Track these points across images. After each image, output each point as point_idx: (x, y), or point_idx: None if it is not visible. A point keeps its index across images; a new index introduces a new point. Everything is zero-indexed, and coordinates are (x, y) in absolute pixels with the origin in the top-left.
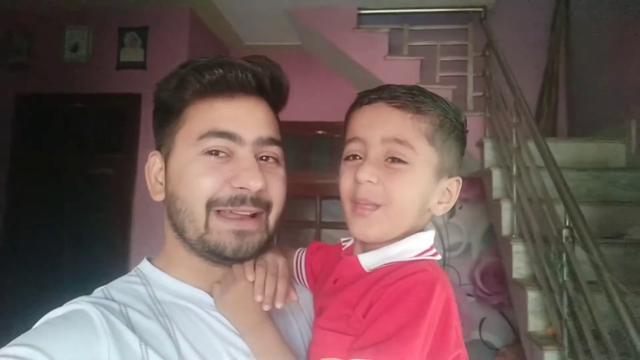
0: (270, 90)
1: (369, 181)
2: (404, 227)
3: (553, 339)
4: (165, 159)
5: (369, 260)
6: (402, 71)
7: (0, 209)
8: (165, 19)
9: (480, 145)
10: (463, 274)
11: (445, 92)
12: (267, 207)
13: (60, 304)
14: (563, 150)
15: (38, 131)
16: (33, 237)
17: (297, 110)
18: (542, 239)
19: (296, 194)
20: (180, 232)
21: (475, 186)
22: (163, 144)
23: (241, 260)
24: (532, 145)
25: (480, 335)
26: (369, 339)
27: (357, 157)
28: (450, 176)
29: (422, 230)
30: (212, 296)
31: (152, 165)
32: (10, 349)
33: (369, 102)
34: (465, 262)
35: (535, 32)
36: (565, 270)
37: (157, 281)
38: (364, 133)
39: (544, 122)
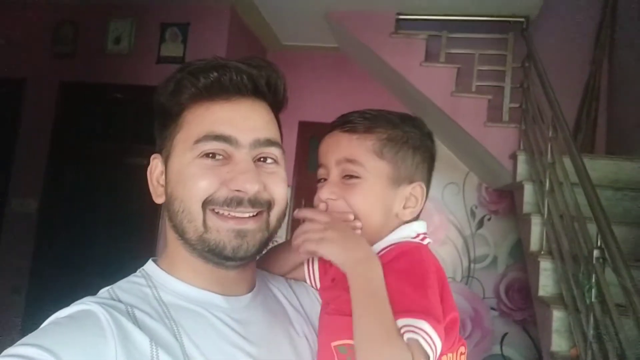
0: (267, 91)
1: (329, 198)
2: (377, 234)
3: None
4: (166, 162)
5: None
6: (437, 78)
7: (37, 195)
8: (205, 16)
9: (514, 157)
10: (487, 286)
11: (481, 102)
12: (268, 205)
13: (91, 289)
14: (600, 167)
15: (79, 119)
16: (67, 222)
17: (331, 111)
18: (571, 258)
19: None
20: (180, 234)
21: (506, 199)
22: (163, 147)
23: (242, 259)
24: (567, 160)
25: (501, 350)
26: (405, 306)
27: (325, 180)
28: (411, 182)
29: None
30: (219, 295)
31: (154, 168)
32: (17, 349)
33: (329, 132)
34: (490, 275)
35: (579, 46)
36: (593, 291)
37: (163, 283)
38: (324, 159)
39: (582, 138)
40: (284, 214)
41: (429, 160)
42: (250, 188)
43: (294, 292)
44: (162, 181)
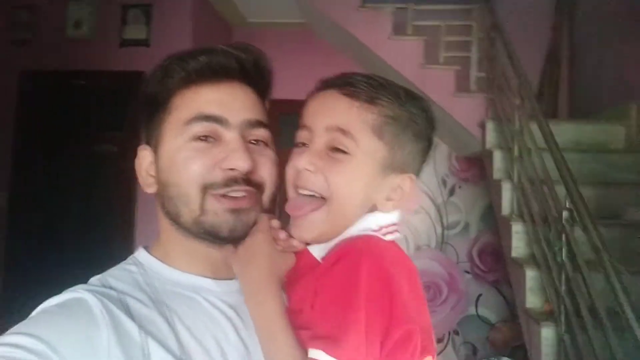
0: (255, 75)
1: (307, 169)
2: (347, 224)
3: (550, 315)
4: (155, 150)
5: (318, 251)
6: (406, 51)
7: (5, 187)
8: None
9: (482, 126)
10: (461, 251)
11: (448, 73)
12: (259, 187)
13: (66, 281)
14: (563, 131)
15: (42, 108)
16: (38, 213)
17: (299, 88)
18: (541, 220)
19: None
20: (174, 218)
21: (475, 166)
22: (152, 137)
23: (236, 239)
24: (534, 126)
25: (476, 310)
26: (317, 331)
27: (305, 145)
28: (403, 172)
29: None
30: (211, 280)
31: (142, 159)
32: (9, 338)
33: (323, 89)
34: (464, 240)
35: (540, 13)
36: (564, 250)
37: (155, 270)
38: (311, 121)
39: (545, 104)
40: (276, 196)
41: (426, 150)
42: (242, 165)
43: None
44: (152, 171)
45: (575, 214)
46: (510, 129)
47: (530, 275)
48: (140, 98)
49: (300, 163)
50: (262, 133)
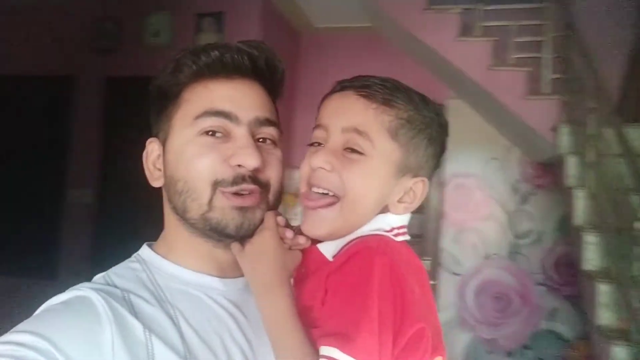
0: (266, 73)
1: (322, 168)
2: (358, 224)
3: (623, 334)
4: (164, 144)
5: (329, 249)
6: (473, 53)
7: (94, 185)
8: (239, 4)
9: (555, 130)
10: (533, 262)
11: (519, 75)
12: (266, 186)
13: None
14: None
15: (125, 110)
16: (123, 210)
17: None
18: (616, 231)
19: None
20: (181, 213)
21: (551, 172)
22: (160, 130)
23: (243, 237)
24: (610, 131)
25: (550, 325)
26: (329, 328)
27: (320, 144)
28: (416, 176)
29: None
30: (216, 278)
31: (150, 152)
32: (12, 336)
33: (340, 90)
34: (537, 250)
35: (621, 10)
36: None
37: (159, 267)
38: (328, 121)
39: (630, 107)
40: (281, 195)
41: (439, 155)
42: (251, 162)
43: None
44: (159, 165)
45: None
46: (584, 133)
47: (603, 289)
48: (152, 91)
49: (316, 161)
50: (271, 131)
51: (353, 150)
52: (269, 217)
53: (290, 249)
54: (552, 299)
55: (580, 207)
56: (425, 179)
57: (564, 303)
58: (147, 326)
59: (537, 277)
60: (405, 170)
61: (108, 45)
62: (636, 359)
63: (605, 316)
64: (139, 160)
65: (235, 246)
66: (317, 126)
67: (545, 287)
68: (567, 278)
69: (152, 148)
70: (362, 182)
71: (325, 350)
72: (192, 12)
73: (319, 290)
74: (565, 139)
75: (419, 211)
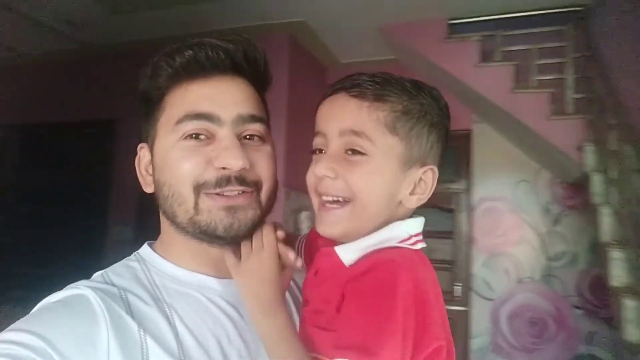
0: (246, 66)
1: (326, 175)
2: (373, 222)
3: None
4: (151, 149)
5: (347, 255)
6: (495, 78)
7: (133, 223)
8: (266, 44)
9: (581, 149)
10: (568, 284)
11: (542, 96)
12: (256, 185)
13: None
14: None
15: None
16: None
17: None
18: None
19: None
20: (171, 218)
21: (581, 193)
22: (149, 135)
23: (234, 238)
24: (630, 148)
25: (590, 349)
26: (348, 340)
27: (322, 151)
28: (423, 165)
29: (400, 219)
30: (213, 278)
31: (142, 158)
32: (7, 334)
33: (332, 93)
34: (571, 272)
35: None
36: None
37: (157, 266)
38: (324, 126)
39: None
40: (275, 192)
41: (444, 139)
42: (235, 164)
43: (293, 280)
44: (150, 170)
45: None
46: (606, 151)
47: (629, 305)
48: (138, 95)
49: (319, 170)
50: (257, 127)
51: (354, 152)
52: (268, 233)
53: (283, 268)
54: (589, 323)
55: (606, 223)
56: (434, 167)
57: (602, 326)
58: (143, 325)
59: (572, 300)
60: (410, 162)
61: None
62: None
63: (632, 332)
64: None
65: (229, 258)
66: (316, 133)
67: (581, 310)
68: (604, 300)
69: (143, 154)
70: (369, 183)
71: None
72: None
73: (334, 295)
74: (590, 157)
75: (449, 236)
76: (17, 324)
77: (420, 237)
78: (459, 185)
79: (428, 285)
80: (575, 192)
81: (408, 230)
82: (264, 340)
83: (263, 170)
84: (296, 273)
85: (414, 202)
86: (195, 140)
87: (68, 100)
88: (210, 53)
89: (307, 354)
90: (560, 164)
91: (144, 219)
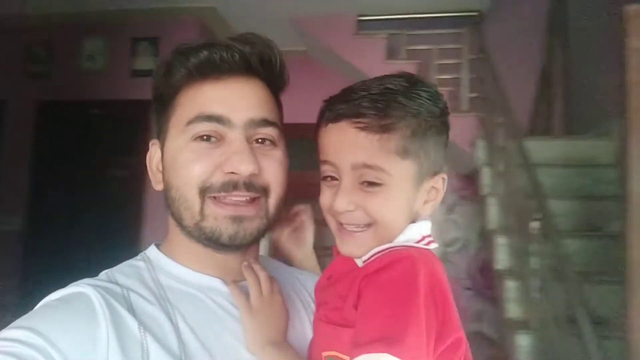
0: (261, 68)
1: (347, 210)
2: (394, 237)
3: (525, 324)
4: (162, 147)
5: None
6: None
7: (21, 212)
8: (175, 29)
9: (474, 144)
10: (461, 268)
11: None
12: (264, 191)
13: None
14: (555, 148)
15: (58, 135)
16: (52, 236)
17: (305, 112)
18: (519, 232)
19: (302, 195)
20: (178, 221)
21: (473, 184)
22: (160, 132)
23: (238, 247)
24: (514, 144)
25: (477, 327)
26: (372, 333)
27: (333, 178)
28: (435, 174)
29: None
30: (219, 280)
31: (153, 154)
32: (8, 332)
33: (334, 120)
34: (464, 257)
35: (533, 33)
36: (536, 259)
37: (162, 266)
38: (335, 158)
39: (540, 121)
40: (283, 200)
41: (446, 136)
42: (245, 169)
43: (300, 283)
44: (160, 167)
45: (544, 225)
46: (494, 147)
47: (510, 285)
48: (151, 92)
49: (339, 206)
50: (268, 131)
51: (370, 184)
52: (266, 282)
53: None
54: (478, 302)
55: (493, 213)
56: (444, 174)
57: (489, 305)
58: (144, 324)
59: (464, 283)
60: (422, 176)
61: (39, 69)
62: (535, 345)
63: (512, 310)
64: (70, 185)
65: (239, 298)
66: (324, 162)
67: (472, 291)
68: (491, 281)
69: (155, 150)
70: (388, 208)
71: (374, 357)
72: (127, 36)
73: (350, 293)
74: (481, 152)
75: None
76: (19, 321)
77: (432, 238)
78: None
79: (445, 280)
80: (468, 183)
81: (421, 232)
82: None
83: (272, 176)
84: (308, 277)
85: (428, 209)
86: (205, 142)
87: None
88: (224, 54)
89: None
90: (456, 157)
91: (34, 208)
